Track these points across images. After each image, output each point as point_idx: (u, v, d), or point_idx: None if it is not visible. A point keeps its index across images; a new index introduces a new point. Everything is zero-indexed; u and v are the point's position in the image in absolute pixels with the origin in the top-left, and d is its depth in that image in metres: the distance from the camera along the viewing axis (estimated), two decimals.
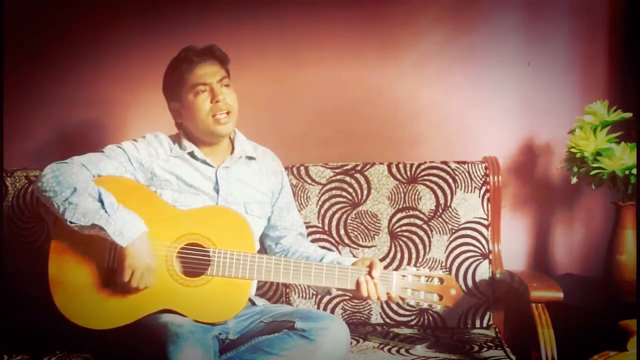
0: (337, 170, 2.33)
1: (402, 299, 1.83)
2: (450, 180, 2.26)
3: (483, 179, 2.25)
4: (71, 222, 1.76)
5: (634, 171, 2.11)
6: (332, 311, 2.26)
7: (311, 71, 2.57)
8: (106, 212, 1.75)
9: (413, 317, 2.23)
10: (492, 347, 2.00)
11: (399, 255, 2.25)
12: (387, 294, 1.82)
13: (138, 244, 1.76)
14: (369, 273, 1.82)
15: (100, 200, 1.77)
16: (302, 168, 2.34)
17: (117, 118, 2.64)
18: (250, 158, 2.08)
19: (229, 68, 2.03)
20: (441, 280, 1.84)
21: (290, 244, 2.09)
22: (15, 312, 2.15)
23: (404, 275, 1.84)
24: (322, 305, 2.27)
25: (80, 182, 1.80)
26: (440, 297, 1.83)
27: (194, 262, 1.84)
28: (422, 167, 2.29)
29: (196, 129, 1.99)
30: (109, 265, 1.81)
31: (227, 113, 1.96)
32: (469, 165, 2.27)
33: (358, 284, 1.82)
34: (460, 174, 2.26)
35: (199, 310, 1.80)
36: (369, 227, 2.28)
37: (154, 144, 2.01)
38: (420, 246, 2.24)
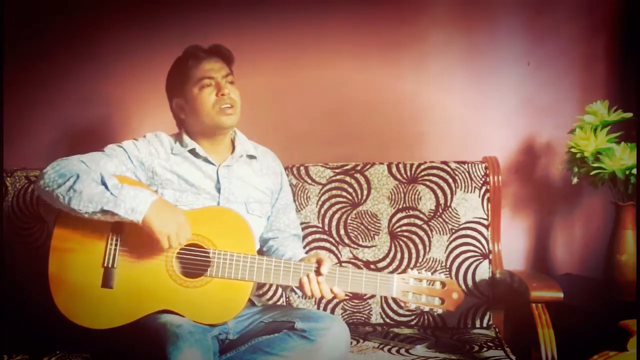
0: (337, 170, 2.33)
1: (404, 303, 1.83)
2: (450, 180, 2.26)
3: (483, 179, 2.25)
4: (79, 210, 1.76)
5: (634, 171, 2.11)
6: (332, 311, 2.26)
7: (311, 71, 2.57)
8: (112, 194, 1.75)
9: (413, 317, 2.23)
10: (492, 347, 2.00)
11: (399, 255, 2.25)
12: (331, 290, 1.81)
13: (155, 209, 1.75)
14: (317, 270, 1.81)
15: (104, 183, 1.77)
16: (302, 168, 2.34)
17: (118, 118, 2.64)
18: (251, 157, 2.09)
19: (232, 68, 2.03)
20: (443, 284, 1.83)
21: (274, 244, 2.09)
22: (15, 312, 2.15)
23: (404, 279, 1.83)
24: (322, 306, 2.27)
25: (82, 170, 1.80)
26: (442, 301, 1.82)
27: (194, 262, 1.84)
28: (422, 167, 2.29)
29: (200, 123, 1.98)
30: (108, 265, 1.82)
31: (231, 107, 1.96)
32: (469, 165, 2.27)
33: (301, 283, 1.81)
34: (460, 174, 2.26)
35: (198, 311, 1.80)
36: (369, 227, 2.28)
37: (154, 143, 2.01)
38: (420, 246, 2.24)
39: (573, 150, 2.21)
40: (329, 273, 1.81)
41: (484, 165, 2.27)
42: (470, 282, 2.21)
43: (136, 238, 1.82)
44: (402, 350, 1.98)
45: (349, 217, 2.29)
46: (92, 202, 1.75)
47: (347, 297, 2.21)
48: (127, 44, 2.60)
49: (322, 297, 1.82)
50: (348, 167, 2.33)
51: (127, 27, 2.60)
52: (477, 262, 2.22)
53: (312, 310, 2.07)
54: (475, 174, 2.26)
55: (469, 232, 2.23)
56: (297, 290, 1.89)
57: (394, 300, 2.22)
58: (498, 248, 2.25)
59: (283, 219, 2.13)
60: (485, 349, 1.98)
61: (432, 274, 1.86)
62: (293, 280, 1.83)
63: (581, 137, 2.20)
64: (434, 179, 2.27)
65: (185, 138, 2.01)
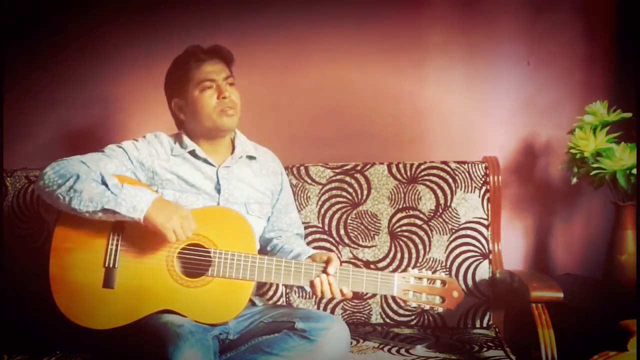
0: (337, 170, 2.33)
1: (404, 301, 1.83)
2: (450, 180, 2.26)
3: (483, 179, 2.25)
4: (80, 210, 1.76)
5: (634, 171, 2.11)
6: (332, 311, 2.26)
7: (311, 71, 2.57)
8: (112, 193, 1.75)
9: (413, 317, 2.23)
10: (492, 347, 2.00)
11: (399, 255, 2.25)
12: (341, 290, 1.82)
13: (157, 206, 1.76)
14: (324, 270, 1.82)
15: (104, 183, 1.77)
16: (302, 168, 2.34)
17: (118, 118, 2.64)
18: (251, 157, 2.09)
19: (232, 69, 2.03)
20: (443, 282, 1.84)
21: (279, 242, 2.09)
22: (15, 312, 2.15)
23: (405, 277, 1.84)
24: (322, 306, 2.27)
25: (82, 170, 1.81)
26: (443, 299, 1.83)
27: (195, 262, 1.84)
28: (422, 167, 2.29)
29: (200, 124, 1.99)
30: (110, 265, 1.82)
31: (232, 109, 1.97)
32: (469, 165, 2.27)
33: (312, 284, 1.82)
34: (460, 174, 2.26)
35: (199, 311, 1.80)
36: (369, 227, 2.28)
37: (154, 143, 2.01)
38: (420, 246, 2.25)
39: (573, 151, 2.21)
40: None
41: (484, 165, 2.27)
42: (470, 282, 2.21)
43: (137, 238, 1.82)
44: (402, 350, 1.98)
45: (349, 217, 2.29)
46: (92, 202, 1.75)
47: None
48: (127, 44, 2.60)
49: (332, 298, 1.82)
50: (348, 167, 2.33)
51: (127, 27, 2.60)
52: (477, 262, 2.22)
53: (312, 310, 2.07)
54: (475, 174, 2.26)
55: (469, 232, 2.23)
56: (307, 287, 1.89)
57: (394, 300, 2.22)
58: (498, 248, 2.25)
59: (285, 219, 2.13)
60: (485, 349, 1.98)
61: (432, 273, 1.87)
62: (297, 279, 1.83)
63: (581, 137, 2.20)
64: (434, 179, 2.27)
65: (185, 139, 2.01)
